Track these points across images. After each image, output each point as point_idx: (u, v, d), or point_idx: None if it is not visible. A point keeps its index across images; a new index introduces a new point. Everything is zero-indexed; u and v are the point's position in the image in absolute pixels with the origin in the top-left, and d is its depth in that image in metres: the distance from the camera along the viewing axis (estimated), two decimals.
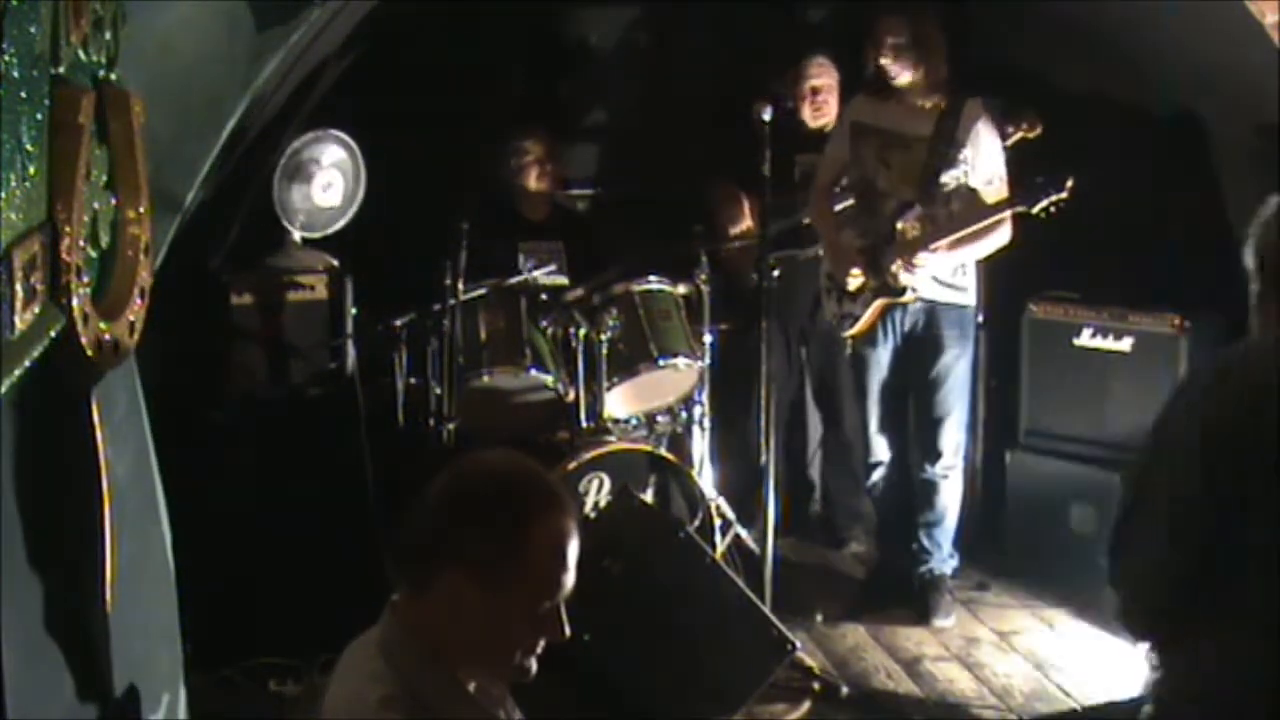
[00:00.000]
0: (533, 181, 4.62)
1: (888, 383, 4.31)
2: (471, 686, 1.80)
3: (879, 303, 4.18)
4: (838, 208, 4.37)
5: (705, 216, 4.77)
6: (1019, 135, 4.17)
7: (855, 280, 4.19)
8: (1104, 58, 4.54)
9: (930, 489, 4.30)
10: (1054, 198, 3.86)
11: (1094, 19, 4.41)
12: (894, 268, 4.10)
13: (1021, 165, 4.32)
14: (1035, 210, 3.88)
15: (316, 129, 4.13)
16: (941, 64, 4.12)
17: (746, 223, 4.78)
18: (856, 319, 4.24)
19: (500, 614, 1.72)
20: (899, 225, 4.11)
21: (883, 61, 4.08)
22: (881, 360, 4.28)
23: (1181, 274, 4.34)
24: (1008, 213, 3.97)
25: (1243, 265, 2.18)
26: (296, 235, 4.13)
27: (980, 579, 4.65)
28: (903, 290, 4.14)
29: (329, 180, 4.11)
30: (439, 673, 1.75)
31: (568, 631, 1.77)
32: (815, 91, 4.71)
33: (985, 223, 4.02)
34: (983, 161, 4.13)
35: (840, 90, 4.72)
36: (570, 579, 1.76)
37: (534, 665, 1.78)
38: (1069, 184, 3.85)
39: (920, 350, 4.24)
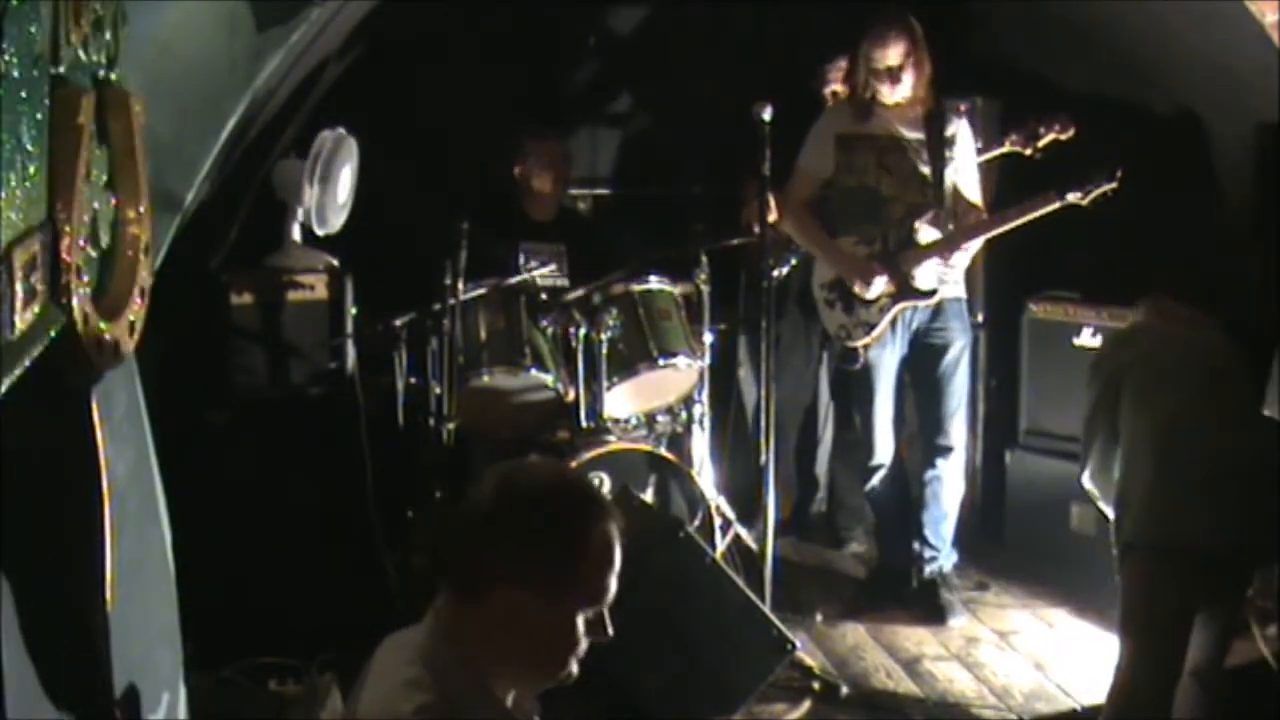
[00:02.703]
0: (541, 184, 4.62)
1: (896, 384, 4.32)
2: (510, 698, 1.80)
3: (899, 307, 4.19)
4: None
5: (736, 213, 4.78)
6: (1051, 137, 4.19)
7: (878, 287, 4.19)
8: (1104, 57, 4.54)
9: (938, 484, 4.30)
10: (1104, 188, 3.91)
11: (1094, 18, 4.41)
12: (917, 270, 4.13)
13: (1020, 165, 4.34)
14: (1086, 201, 3.92)
15: (320, 129, 4.13)
16: (930, 75, 4.15)
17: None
18: (873, 326, 4.23)
19: (556, 626, 1.74)
20: (915, 228, 4.15)
21: (879, 86, 4.11)
22: (891, 362, 4.28)
23: (1181, 274, 4.33)
24: (1056, 205, 3.98)
25: (1242, 264, 2.20)
26: (296, 237, 4.13)
27: (980, 579, 4.65)
28: (931, 292, 4.17)
29: (346, 179, 4.12)
30: (479, 684, 1.74)
31: (611, 631, 1.79)
32: (835, 96, 4.72)
33: (1030, 216, 4.04)
34: (964, 160, 4.22)
35: None
36: (615, 581, 1.78)
37: (576, 668, 1.79)
38: (1119, 174, 3.88)
39: (929, 347, 4.26)
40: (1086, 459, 3.38)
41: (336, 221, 4.10)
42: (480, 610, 1.73)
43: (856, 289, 4.21)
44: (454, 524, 1.79)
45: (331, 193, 4.04)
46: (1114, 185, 3.89)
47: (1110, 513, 3.30)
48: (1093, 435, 3.34)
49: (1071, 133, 4.17)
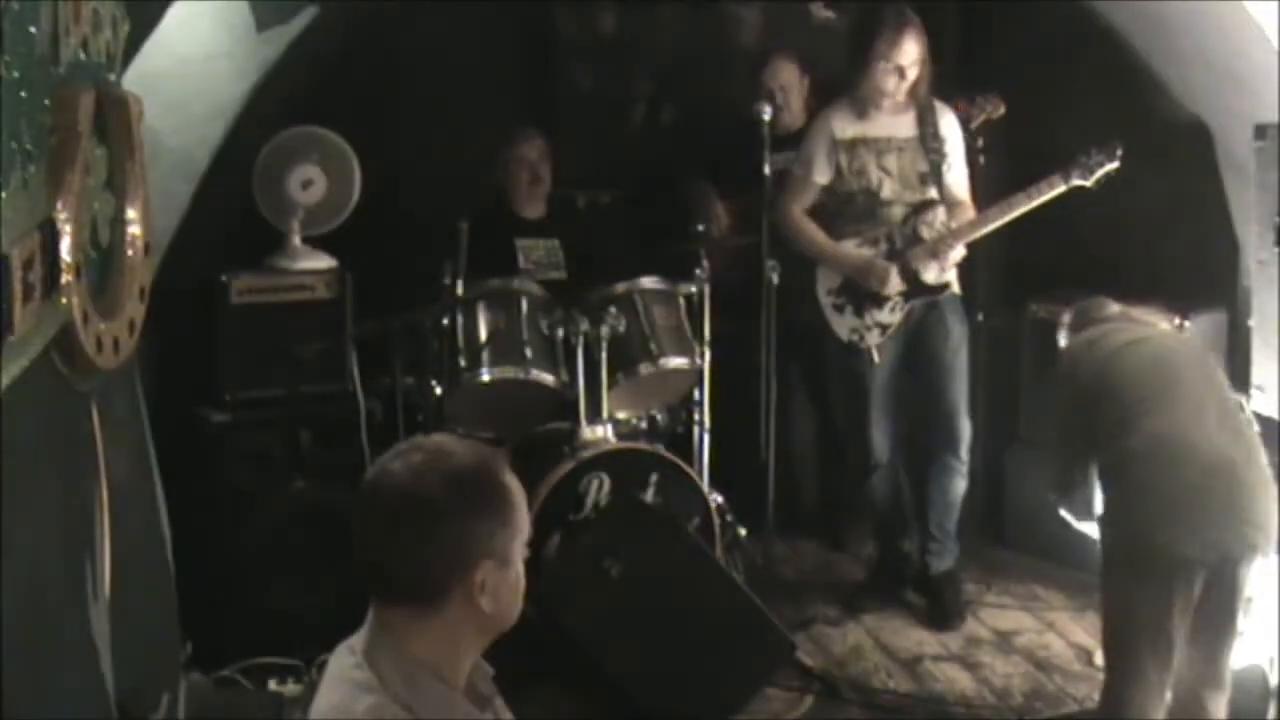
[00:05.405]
0: (528, 182, 4.62)
1: (890, 382, 4.31)
2: (463, 681, 1.80)
3: (911, 304, 4.20)
4: None
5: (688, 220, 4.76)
6: (983, 117, 4.22)
7: (893, 287, 4.18)
8: (1104, 58, 4.54)
9: (947, 479, 4.30)
10: (1108, 167, 3.91)
11: (1094, 19, 4.41)
12: (926, 267, 4.13)
13: (1020, 165, 4.33)
14: (1091, 182, 3.93)
15: (311, 127, 4.13)
16: (931, 74, 4.16)
17: (722, 223, 4.79)
18: (887, 326, 4.22)
19: (514, 577, 1.78)
20: (920, 226, 4.15)
21: (888, 82, 4.11)
22: (887, 361, 4.27)
23: (1182, 273, 4.33)
24: (1062, 188, 3.97)
25: (1242, 264, 2.20)
26: (296, 238, 4.13)
27: (980, 579, 4.64)
28: (943, 287, 4.18)
29: (308, 177, 4.10)
30: (428, 680, 1.75)
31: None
32: (784, 90, 4.72)
33: (1038, 201, 4.03)
34: (956, 154, 4.24)
35: (811, 90, 4.76)
36: None
37: None
38: (1119, 153, 3.88)
39: (928, 343, 4.26)
40: (1065, 480, 3.26)
41: (306, 222, 4.08)
42: (448, 604, 1.74)
43: (876, 288, 4.19)
44: (388, 542, 1.81)
45: (280, 191, 4.04)
46: (1116, 165, 3.89)
47: (1089, 530, 3.24)
48: (1068, 448, 3.25)
49: (1002, 111, 4.19)
